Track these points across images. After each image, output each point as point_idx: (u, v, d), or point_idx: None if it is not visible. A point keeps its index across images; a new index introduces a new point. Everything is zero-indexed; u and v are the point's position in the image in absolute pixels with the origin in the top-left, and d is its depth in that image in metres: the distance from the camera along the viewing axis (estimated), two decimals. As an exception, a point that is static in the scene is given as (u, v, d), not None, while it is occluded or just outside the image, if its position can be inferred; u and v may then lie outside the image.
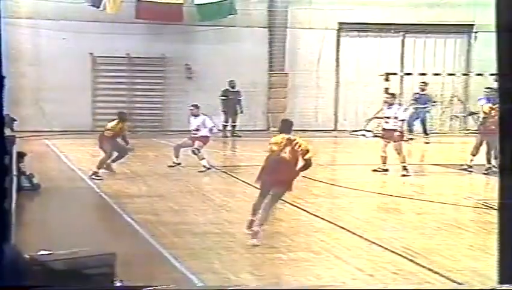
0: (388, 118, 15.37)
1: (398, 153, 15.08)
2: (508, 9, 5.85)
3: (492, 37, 20.82)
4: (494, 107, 15.52)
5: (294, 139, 9.37)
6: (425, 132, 21.26)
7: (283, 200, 10.07)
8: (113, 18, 21.92)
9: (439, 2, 23.53)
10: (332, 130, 23.31)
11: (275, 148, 9.32)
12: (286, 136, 9.44)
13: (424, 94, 21.41)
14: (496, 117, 15.26)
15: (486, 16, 24.08)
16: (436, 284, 7.64)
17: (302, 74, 23.34)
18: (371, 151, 16.28)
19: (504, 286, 5.80)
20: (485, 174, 15.23)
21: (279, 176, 9.29)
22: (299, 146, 9.29)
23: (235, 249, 8.96)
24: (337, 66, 24.27)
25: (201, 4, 22.46)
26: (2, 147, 5.83)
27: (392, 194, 13.23)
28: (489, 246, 9.35)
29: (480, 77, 22.61)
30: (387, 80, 22.47)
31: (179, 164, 15.57)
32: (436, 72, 23.78)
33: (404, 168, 15.06)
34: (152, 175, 14.83)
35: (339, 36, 24.21)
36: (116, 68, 23.28)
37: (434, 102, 21.84)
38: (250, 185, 13.49)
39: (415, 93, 21.46)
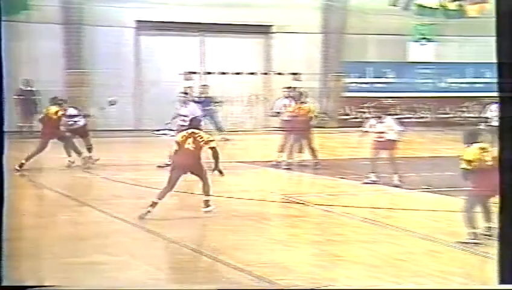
0: (185, 116, 15.31)
1: None
2: (508, 12, 5.79)
3: (290, 38, 21.38)
4: (300, 107, 15.97)
5: (198, 133, 11.03)
6: (219, 130, 21.50)
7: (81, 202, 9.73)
8: None
9: (236, 3, 23.89)
10: (135, 130, 22.82)
11: (175, 146, 11.00)
12: (190, 131, 11.07)
13: (206, 96, 21.61)
14: (301, 116, 15.84)
15: (282, 17, 24.95)
16: (436, 285, 7.58)
17: (102, 73, 22.75)
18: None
19: (504, 286, 5.77)
20: (286, 169, 15.56)
21: (187, 163, 10.93)
22: (201, 138, 10.98)
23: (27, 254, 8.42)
24: (138, 64, 23.93)
25: (-9, -2, 21.21)
26: (2, 146, 5.93)
27: (197, 193, 13.08)
28: (291, 239, 9.50)
29: (280, 76, 23.33)
30: (187, 79, 22.52)
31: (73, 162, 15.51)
32: (237, 72, 24.11)
33: None
34: None
35: (138, 34, 23.89)
36: None
37: (216, 102, 22.10)
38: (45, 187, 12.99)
39: (196, 96, 21.59)
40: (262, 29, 24.96)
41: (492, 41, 22.11)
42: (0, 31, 5.68)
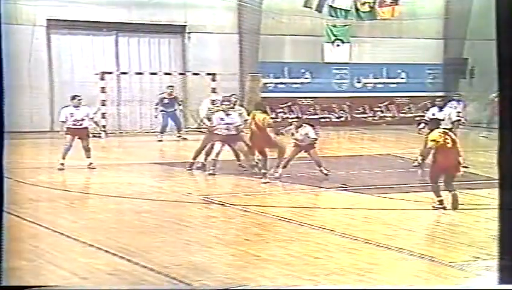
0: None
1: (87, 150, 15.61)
2: (508, 12, 5.72)
3: (204, 38, 21.38)
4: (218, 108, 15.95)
5: (254, 116, 14.56)
6: (179, 130, 21.54)
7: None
8: None
9: (149, 2, 23.66)
10: (48, 131, 22.27)
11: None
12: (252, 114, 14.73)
13: (172, 98, 21.64)
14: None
15: (197, 17, 24.86)
16: (436, 284, 7.56)
17: (13, 73, 22.08)
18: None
19: (504, 286, 5.73)
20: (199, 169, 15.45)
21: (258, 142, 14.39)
22: (258, 119, 14.42)
23: None
24: (50, 64, 23.39)
25: None
26: (2, 146, 6.01)
27: (111, 195, 12.89)
28: (209, 239, 9.44)
29: (197, 76, 23.28)
30: (102, 79, 22.22)
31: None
32: (153, 72, 23.91)
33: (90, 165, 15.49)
34: None
35: (49, 33, 23.34)
36: None
37: (180, 103, 22.15)
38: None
39: (164, 98, 21.58)
40: (177, 29, 24.77)
41: (404, 42, 22.48)
42: (0, 32, 5.52)
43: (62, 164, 15.26)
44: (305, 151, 14.57)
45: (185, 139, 20.89)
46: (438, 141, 11.58)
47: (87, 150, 15.58)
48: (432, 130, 11.91)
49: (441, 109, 16.64)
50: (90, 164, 15.51)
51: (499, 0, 6.11)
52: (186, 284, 7.41)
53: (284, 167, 14.33)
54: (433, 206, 11.34)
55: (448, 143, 11.55)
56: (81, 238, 9.32)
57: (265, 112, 15.03)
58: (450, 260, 8.28)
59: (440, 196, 11.37)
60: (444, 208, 11.26)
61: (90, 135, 16.08)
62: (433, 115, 16.48)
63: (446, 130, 12.00)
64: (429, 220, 10.97)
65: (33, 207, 11.55)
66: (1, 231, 5.85)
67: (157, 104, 21.78)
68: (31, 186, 13.28)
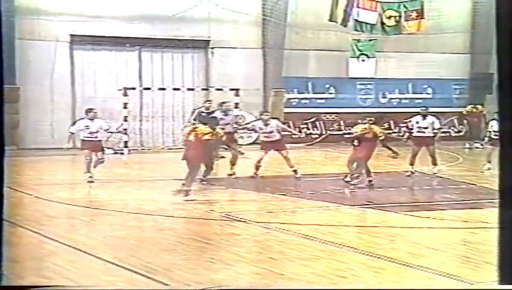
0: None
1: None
2: (508, 16, 5.65)
3: (228, 53, 21.26)
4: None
5: (197, 127, 13.84)
6: None
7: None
8: None
9: (174, 17, 23.64)
10: (69, 148, 22.21)
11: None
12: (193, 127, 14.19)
13: (210, 112, 21.44)
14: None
15: (221, 32, 24.83)
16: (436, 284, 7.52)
17: (35, 88, 22.14)
18: (111, 168, 15.85)
19: (504, 286, 5.66)
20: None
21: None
22: (201, 132, 13.60)
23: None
24: (72, 79, 23.44)
25: None
26: (2, 146, 5.89)
27: (132, 211, 12.79)
28: (231, 257, 9.28)
29: (220, 91, 23.17)
30: (125, 94, 22.19)
31: None
32: (176, 87, 23.88)
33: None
34: None
35: (72, 49, 23.40)
36: None
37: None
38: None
39: (201, 112, 21.47)
40: (201, 44, 24.78)
41: (430, 57, 22.26)
42: (0, 32, 5.48)
43: (91, 177, 15.43)
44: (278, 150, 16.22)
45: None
46: (357, 134, 14.87)
47: (100, 163, 15.74)
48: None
49: (424, 117, 17.13)
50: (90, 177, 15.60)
51: (499, 12, 5.99)
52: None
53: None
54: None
55: (367, 134, 14.75)
56: (101, 255, 9.20)
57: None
58: (477, 279, 8.06)
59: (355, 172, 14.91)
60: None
61: (105, 150, 16.12)
62: (417, 123, 17.04)
63: (366, 127, 14.96)
64: (455, 238, 10.73)
65: (52, 224, 11.48)
66: (1, 231, 5.80)
67: (194, 118, 21.52)
68: (51, 202, 13.25)
